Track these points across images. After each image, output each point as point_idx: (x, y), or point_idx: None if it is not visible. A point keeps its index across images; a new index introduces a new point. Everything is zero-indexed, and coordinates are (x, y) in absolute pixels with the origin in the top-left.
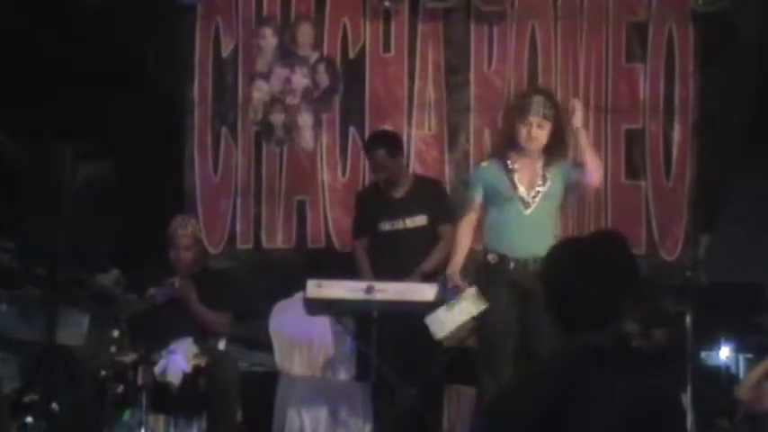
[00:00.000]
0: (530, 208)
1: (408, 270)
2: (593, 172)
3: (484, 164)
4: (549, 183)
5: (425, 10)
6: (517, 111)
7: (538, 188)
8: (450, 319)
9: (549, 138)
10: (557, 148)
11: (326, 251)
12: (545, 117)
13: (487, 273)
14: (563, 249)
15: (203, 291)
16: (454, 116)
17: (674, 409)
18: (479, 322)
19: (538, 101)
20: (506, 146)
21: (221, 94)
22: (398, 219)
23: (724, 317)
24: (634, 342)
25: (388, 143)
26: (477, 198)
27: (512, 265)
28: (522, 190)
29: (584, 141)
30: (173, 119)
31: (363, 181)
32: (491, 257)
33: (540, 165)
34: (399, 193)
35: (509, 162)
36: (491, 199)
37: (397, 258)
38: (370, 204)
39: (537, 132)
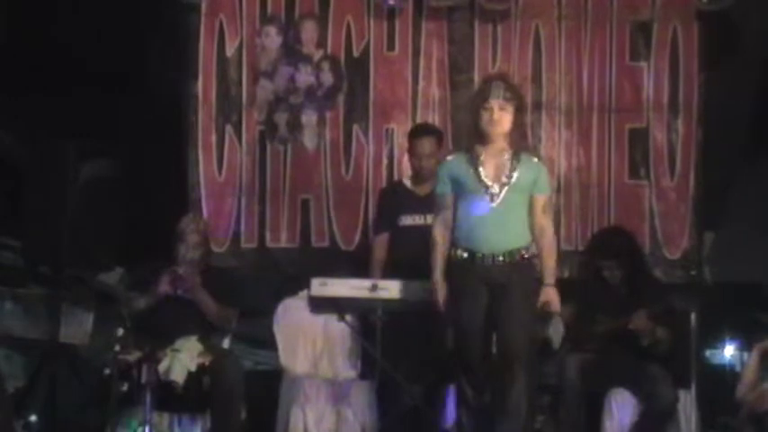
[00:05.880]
0: (496, 200)
1: (425, 265)
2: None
3: (450, 158)
4: (516, 174)
5: (430, 8)
6: (478, 97)
7: (505, 180)
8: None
9: (512, 124)
10: (519, 138)
11: (330, 249)
12: (506, 99)
13: (457, 269)
14: None
15: (208, 290)
16: (458, 115)
17: None
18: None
19: (497, 85)
20: (473, 137)
21: (225, 93)
22: (420, 214)
23: (728, 315)
24: (645, 341)
25: (436, 132)
26: (448, 195)
27: (480, 259)
28: (488, 182)
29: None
30: (176, 117)
31: (367, 179)
32: (460, 253)
33: (506, 156)
34: (424, 190)
35: (475, 155)
36: (459, 193)
37: (416, 253)
38: (394, 199)
39: (499, 115)
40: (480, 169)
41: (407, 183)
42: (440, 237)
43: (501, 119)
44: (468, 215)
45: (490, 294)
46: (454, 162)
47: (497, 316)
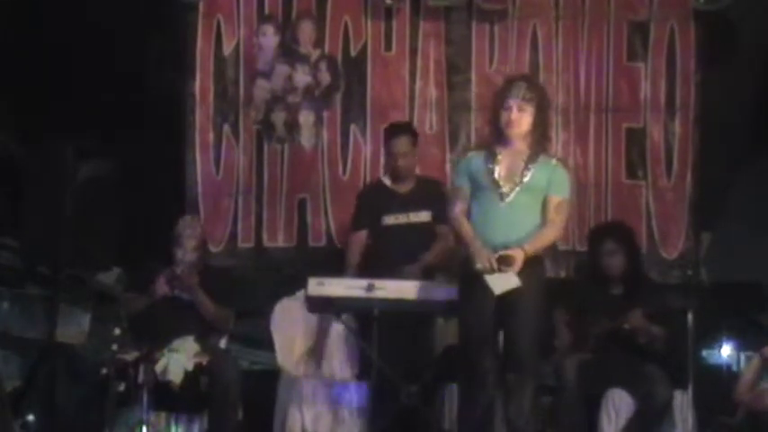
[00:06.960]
0: (506, 199)
1: (408, 263)
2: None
3: (469, 154)
4: (530, 175)
5: (427, 8)
6: (498, 97)
7: (517, 180)
8: (507, 282)
9: (532, 125)
10: (540, 139)
11: (328, 249)
12: (524, 99)
13: (466, 267)
14: None
15: (205, 289)
16: (455, 115)
17: None
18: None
19: (518, 85)
20: (493, 136)
21: (223, 93)
22: (402, 213)
23: (725, 315)
24: (641, 339)
25: (410, 131)
26: (464, 188)
27: None
28: (499, 180)
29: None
30: (174, 117)
31: (364, 179)
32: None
33: (523, 157)
34: (404, 188)
35: (493, 154)
36: (473, 190)
37: (400, 252)
38: (374, 199)
39: (518, 116)
40: (495, 168)
41: (387, 181)
42: (465, 223)
43: (520, 119)
44: (479, 213)
45: (499, 294)
46: (472, 158)
47: (505, 316)
